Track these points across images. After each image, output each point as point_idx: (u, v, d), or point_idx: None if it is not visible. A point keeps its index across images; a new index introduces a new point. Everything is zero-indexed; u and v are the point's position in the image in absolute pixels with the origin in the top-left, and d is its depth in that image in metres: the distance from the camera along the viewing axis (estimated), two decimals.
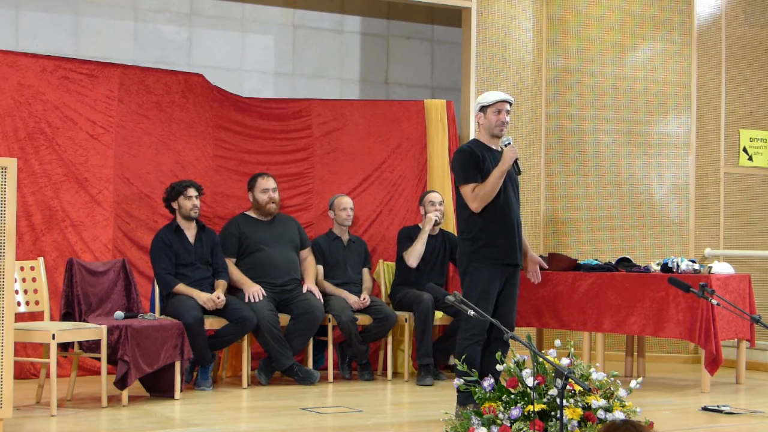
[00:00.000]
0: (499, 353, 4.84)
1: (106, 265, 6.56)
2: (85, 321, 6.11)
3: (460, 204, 5.66)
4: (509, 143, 5.56)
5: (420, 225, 7.58)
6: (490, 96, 5.63)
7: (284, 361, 6.82)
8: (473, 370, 4.85)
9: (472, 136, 8.42)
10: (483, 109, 5.63)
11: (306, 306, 6.95)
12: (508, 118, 5.63)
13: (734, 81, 8.82)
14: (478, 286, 5.51)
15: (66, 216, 7.12)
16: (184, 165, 7.61)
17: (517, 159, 5.54)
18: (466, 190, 5.54)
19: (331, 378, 7.12)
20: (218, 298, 6.59)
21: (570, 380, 3.84)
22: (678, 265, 6.96)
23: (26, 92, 7.09)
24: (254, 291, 6.88)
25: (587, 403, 4.56)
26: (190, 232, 6.81)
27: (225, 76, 8.40)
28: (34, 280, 6.13)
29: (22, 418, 5.41)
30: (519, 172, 5.62)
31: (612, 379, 4.74)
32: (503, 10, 8.63)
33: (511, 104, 5.66)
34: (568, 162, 8.77)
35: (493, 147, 5.66)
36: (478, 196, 5.50)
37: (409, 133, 8.25)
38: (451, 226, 7.94)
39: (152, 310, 6.68)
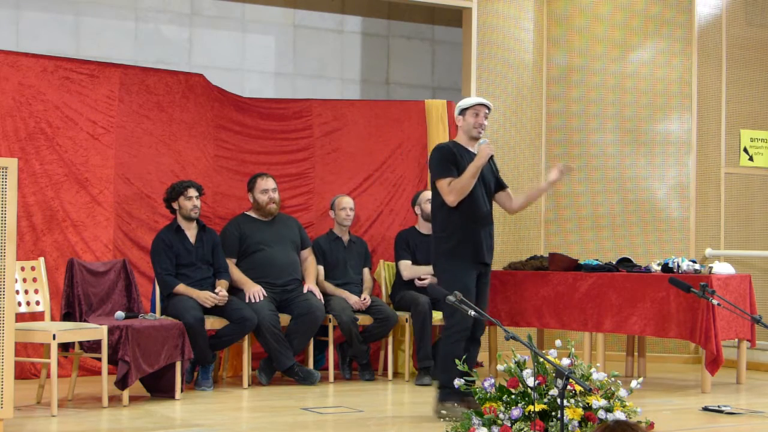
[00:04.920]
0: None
1: (107, 265, 6.56)
2: (85, 321, 6.11)
3: (436, 202, 5.77)
4: (486, 142, 5.71)
5: (417, 227, 7.59)
6: (469, 100, 5.85)
7: (285, 361, 6.82)
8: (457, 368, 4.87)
9: None
10: (462, 111, 5.82)
11: (306, 306, 6.95)
12: (485, 122, 5.81)
13: (735, 81, 8.82)
14: (457, 283, 5.55)
15: (67, 216, 7.13)
16: (185, 165, 7.61)
17: (493, 157, 5.75)
18: (443, 183, 5.67)
19: (331, 378, 7.12)
20: (219, 291, 6.59)
21: (571, 380, 3.84)
22: (679, 266, 6.97)
23: (27, 92, 7.09)
24: (255, 291, 6.88)
25: (588, 404, 4.56)
26: (191, 232, 6.81)
27: (226, 77, 8.40)
28: (34, 280, 6.13)
29: (23, 419, 5.41)
30: (496, 173, 5.83)
31: (613, 379, 4.74)
32: (504, 11, 8.63)
33: (489, 109, 5.83)
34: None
35: (471, 149, 5.80)
36: (454, 190, 5.61)
37: (409, 134, 8.25)
38: None
39: (153, 310, 6.68)
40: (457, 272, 5.63)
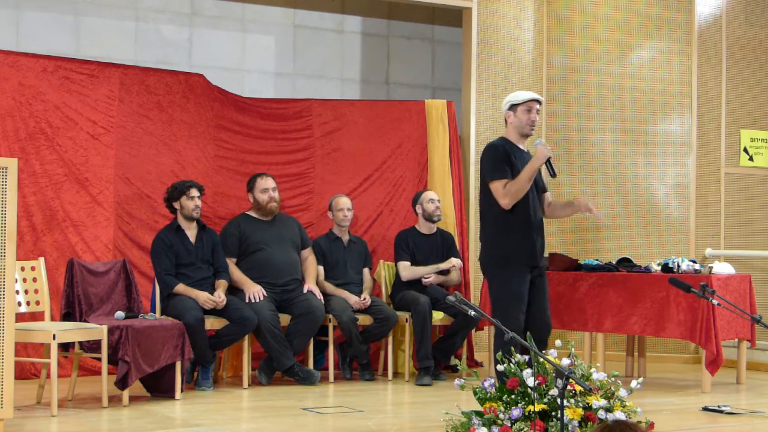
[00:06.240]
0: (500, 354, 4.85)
1: (107, 265, 6.56)
2: (85, 321, 6.11)
3: (488, 202, 5.57)
4: (542, 143, 5.53)
5: (417, 227, 7.58)
6: (521, 95, 5.59)
7: (285, 361, 6.82)
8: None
9: (472, 137, 8.43)
10: (513, 107, 5.58)
11: (307, 306, 6.95)
12: (537, 118, 5.59)
13: (735, 81, 8.82)
14: (511, 291, 5.47)
15: (67, 216, 7.13)
16: (185, 165, 7.61)
17: (550, 158, 5.49)
18: (497, 186, 5.47)
19: (331, 378, 7.12)
20: (219, 297, 6.59)
21: (571, 380, 3.84)
22: (679, 265, 6.97)
23: (27, 92, 7.09)
24: (255, 291, 6.88)
25: (588, 404, 4.56)
26: (191, 232, 6.81)
27: (226, 77, 8.40)
28: (34, 280, 6.13)
29: (23, 419, 5.41)
30: (554, 175, 5.58)
31: (613, 379, 4.74)
32: (504, 10, 8.63)
33: (540, 104, 5.61)
34: (572, 160, 8.77)
35: (521, 147, 5.63)
36: (509, 192, 5.43)
37: (409, 133, 8.25)
38: (450, 225, 7.94)
39: (153, 310, 6.68)
40: (510, 279, 5.47)
